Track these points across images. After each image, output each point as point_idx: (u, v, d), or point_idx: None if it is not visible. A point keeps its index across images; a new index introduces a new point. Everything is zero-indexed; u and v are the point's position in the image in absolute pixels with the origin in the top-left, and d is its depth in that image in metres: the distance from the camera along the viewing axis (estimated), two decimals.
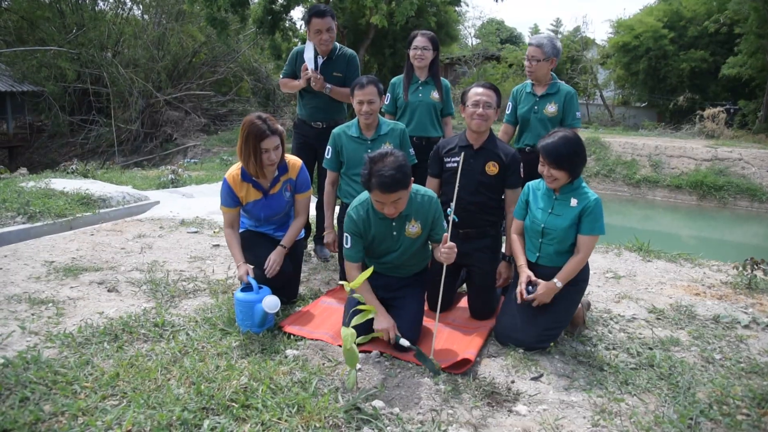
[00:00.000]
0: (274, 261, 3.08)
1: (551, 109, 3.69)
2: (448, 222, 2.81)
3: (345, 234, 2.85)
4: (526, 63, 3.72)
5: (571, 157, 2.77)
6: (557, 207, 2.89)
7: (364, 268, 2.91)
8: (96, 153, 16.49)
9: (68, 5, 17.84)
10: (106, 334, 2.77)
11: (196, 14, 17.02)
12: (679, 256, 4.80)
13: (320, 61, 4.03)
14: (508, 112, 3.95)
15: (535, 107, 3.74)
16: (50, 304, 3.17)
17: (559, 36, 28.98)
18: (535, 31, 32.92)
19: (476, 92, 3.10)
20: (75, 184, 6.17)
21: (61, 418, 2.07)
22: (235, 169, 3.14)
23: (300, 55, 4.09)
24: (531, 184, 3.07)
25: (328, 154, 3.62)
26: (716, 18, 18.28)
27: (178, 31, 18.24)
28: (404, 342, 2.60)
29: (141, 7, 19.53)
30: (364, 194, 2.84)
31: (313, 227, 4.46)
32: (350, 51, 4.19)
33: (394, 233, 2.82)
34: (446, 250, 2.66)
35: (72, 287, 3.48)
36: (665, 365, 2.71)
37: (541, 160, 2.84)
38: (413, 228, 2.81)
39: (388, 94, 4.00)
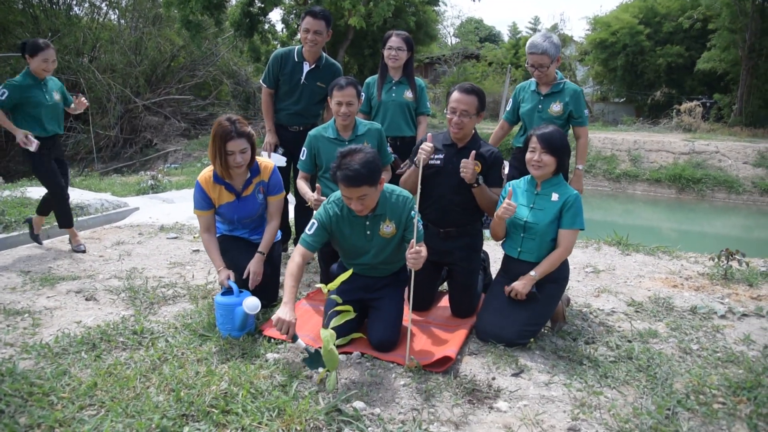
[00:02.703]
0: (254, 272, 3.06)
1: (556, 108, 3.57)
2: (413, 225, 2.75)
3: (312, 220, 2.83)
4: (532, 70, 3.55)
5: (564, 146, 2.86)
6: (539, 202, 2.93)
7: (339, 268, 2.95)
8: (74, 160, 16.22)
9: (42, 10, 17.57)
10: (84, 343, 2.74)
11: (174, 18, 16.86)
12: (657, 249, 4.87)
13: (306, 68, 4.02)
14: (507, 109, 3.87)
15: (539, 106, 3.63)
16: (26, 315, 3.12)
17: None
18: (514, 29, 33.16)
19: (455, 98, 3.04)
20: None
21: (37, 431, 2.04)
22: (207, 171, 3.12)
23: (282, 59, 4.06)
24: (512, 182, 3.09)
25: (303, 156, 3.61)
26: (690, 14, 18.64)
27: (155, 36, 18.03)
28: (301, 343, 2.51)
29: (117, 11, 19.29)
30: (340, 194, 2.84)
31: (293, 230, 4.45)
32: (337, 65, 4.19)
33: (368, 232, 2.81)
34: (411, 256, 2.56)
35: (49, 297, 3.43)
36: (643, 357, 2.75)
37: (531, 147, 2.88)
38: (387, 228, 2.81)
39: (362, 94, 4.00)
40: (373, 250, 2.85)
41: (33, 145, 4.12)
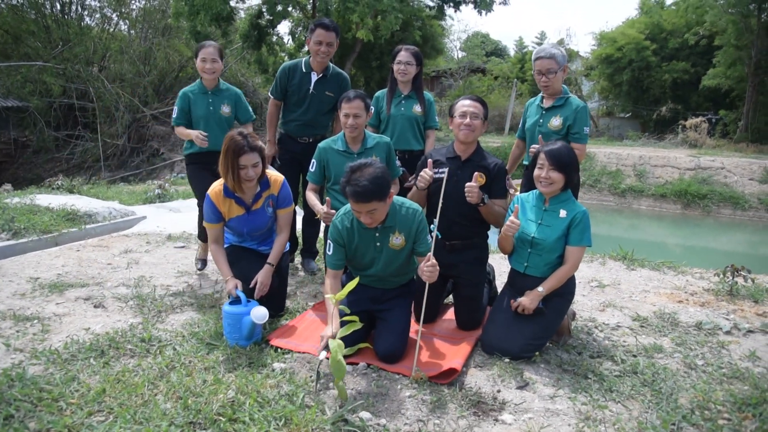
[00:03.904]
0: (261, 282, 3.09)
1: (555, 122, 3.53)
2: (431, 237, 2.82)
3: (328, 241, 2.93)
4: (539, 78, 3.52)
5: (572, 162, 2.88)
6: (546, 218, 2.94)
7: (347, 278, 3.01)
8: (82, 168, 16.37)
9: (54, 20, 17.81)
10: (93, 350, 2.76)
11: (183, 29, 17.06)
12: (662, 264, 4.87)
13: (314, 78, 4.08)
14: (520, 126, 3.86)
15: (540, 120, 3.61)
16: (35, 321, 3.15)
17: None
18: (520, 44, 33.35)
19: (463, 104, 3.16)
20: (60, 199, 6.14)
21: None
22: (218, 185, 3.16)
23: (289, 70, 4.12)
24: (521, 196, 3.11)
25: (312, 167, 3.65)
26: (696, 30, 18.72)
27: (164, 46, 18.25)
28: (322, 355, 2.57)
29: (127, 22, 19.54)
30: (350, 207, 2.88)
31: (300, 241, 4.48)
32: (345, 74, 4.26)
33: (377, 244, 2.85)
34: (427, 269, 2.63)
35: (58, 303, 3.46)
36: (649, 372, 2.75)
37: (539, 163, 2.90)
38: (397, 240, 2.84)
39: (371, 107, 4.04)
40: (382, 261, 2.88)
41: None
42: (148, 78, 17.84)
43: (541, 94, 3.71)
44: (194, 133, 3.84)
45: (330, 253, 2.92)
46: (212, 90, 4.00)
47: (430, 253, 2.65)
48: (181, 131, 3.96)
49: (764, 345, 3.20)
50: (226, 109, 4.02)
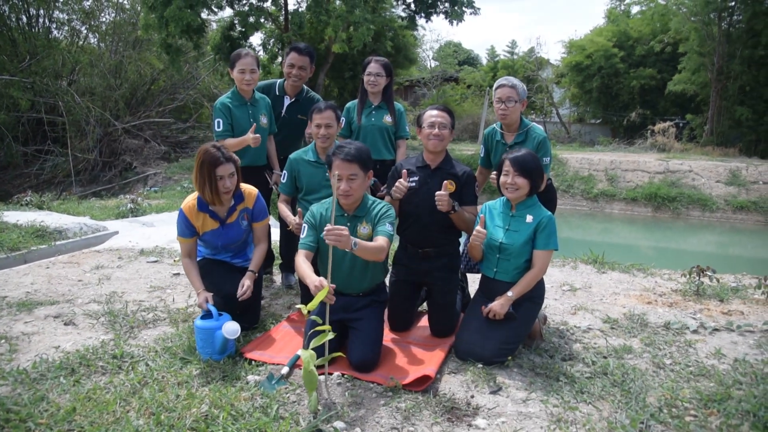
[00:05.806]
0: (247, 286, 3.11)
1: None
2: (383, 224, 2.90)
3: (303, 224, 3.01)
4: (499, 105, 3.46)
5: (537, 168, 2.96)
6: (514, 223, 3.00)
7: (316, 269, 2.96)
8: (52, 183, 16.02)
9: (20, 33, 17.49)
10: (62, 368, 2.72)
11: (154, 42, 16.91)
12: (632, 266, 4.98)
13: (287, 102, 4.12)
14: (481, 155, 3.81)
15: None
16: (2, 341, 3.08)
17: (515, 57, 29.91)
18: (492, 52, 33.84)
19: (431, 114, 3.22)
20: (29, 216, 6.02)
21: None
22: (191, 199, 3.15)
23: (262, 92, 4.13)
24: (488, 203, 3.18)
25: (283, 178, 3.66)
26: (661, 38, 19.24)
27: (135, 59, 18.03)
28: (285, 369, 2.69)
29: (97, 35, 19.28)
30: (329, 199, 2.98)
31: (277, 255, 4.47)
32: (318, 96, 4.31)
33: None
34: (329, 232, 2.58)
35: (26, 322, 3.39)
36: (618, 372, 2.81)
37: (504, 170, 2.98)
38: (364, 230, 2.92)
39: (342, 118, 4.05)
40: (350, 254, 2.86)
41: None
42: (119, 91, 17.59)
43: (499, 125, 3.62)
44: (249, 137, 3.62)
45: (304, 235, 2.96)
46: (250, 101, 3.87)
47: (332, 221, 2.64)
48: (230, 143, 3.67)
49: (729, 343, 3.29)
50: (264, 120, 3.92)
